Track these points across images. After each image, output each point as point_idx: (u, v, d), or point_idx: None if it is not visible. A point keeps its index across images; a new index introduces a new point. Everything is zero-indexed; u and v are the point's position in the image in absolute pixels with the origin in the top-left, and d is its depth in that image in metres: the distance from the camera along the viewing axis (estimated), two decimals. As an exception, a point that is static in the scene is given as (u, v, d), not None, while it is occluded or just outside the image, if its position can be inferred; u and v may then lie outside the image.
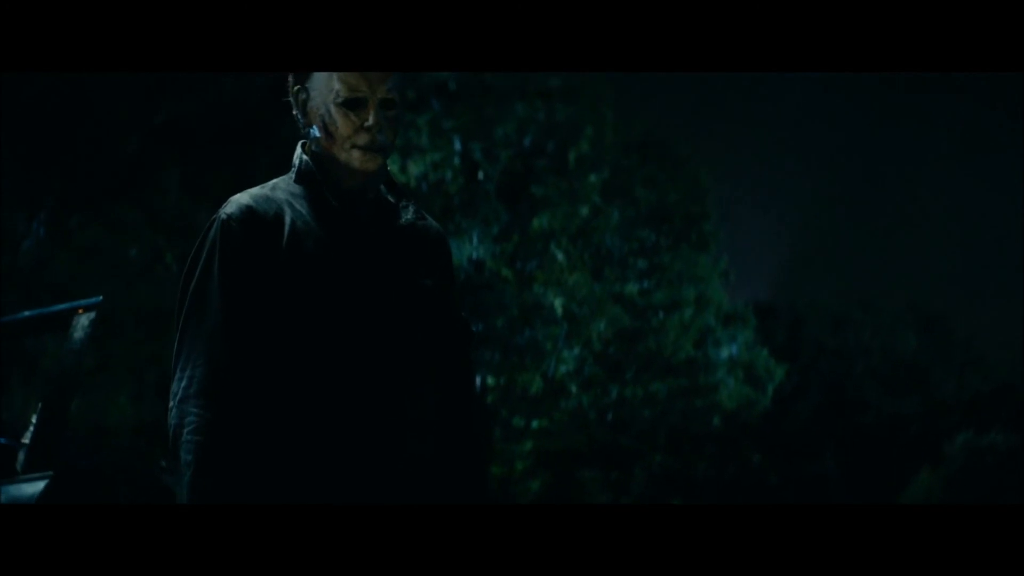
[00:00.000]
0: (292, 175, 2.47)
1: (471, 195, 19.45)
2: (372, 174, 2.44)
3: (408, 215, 2.53)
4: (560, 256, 20.19)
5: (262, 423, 2.28)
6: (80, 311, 4.57)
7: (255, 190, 2.44)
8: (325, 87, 2.41)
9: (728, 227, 22.31)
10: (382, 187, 2.54)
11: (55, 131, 10.75)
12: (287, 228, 2.36)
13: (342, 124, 2.39)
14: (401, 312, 2.41)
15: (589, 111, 20.42)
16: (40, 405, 4.49)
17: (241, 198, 2.40)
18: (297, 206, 2.41)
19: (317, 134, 2.44)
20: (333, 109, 2.40)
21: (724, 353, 22.29)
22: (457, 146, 19.40)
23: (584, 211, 20.42)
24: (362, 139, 2.40)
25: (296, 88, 2.45)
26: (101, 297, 4.74)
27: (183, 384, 2.29)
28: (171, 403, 2.28)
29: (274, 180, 2.49)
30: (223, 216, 2.36)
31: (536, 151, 20.28)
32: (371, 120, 2.39)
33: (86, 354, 4.60)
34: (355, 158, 2.40)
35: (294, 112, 2.48)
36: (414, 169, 17.63)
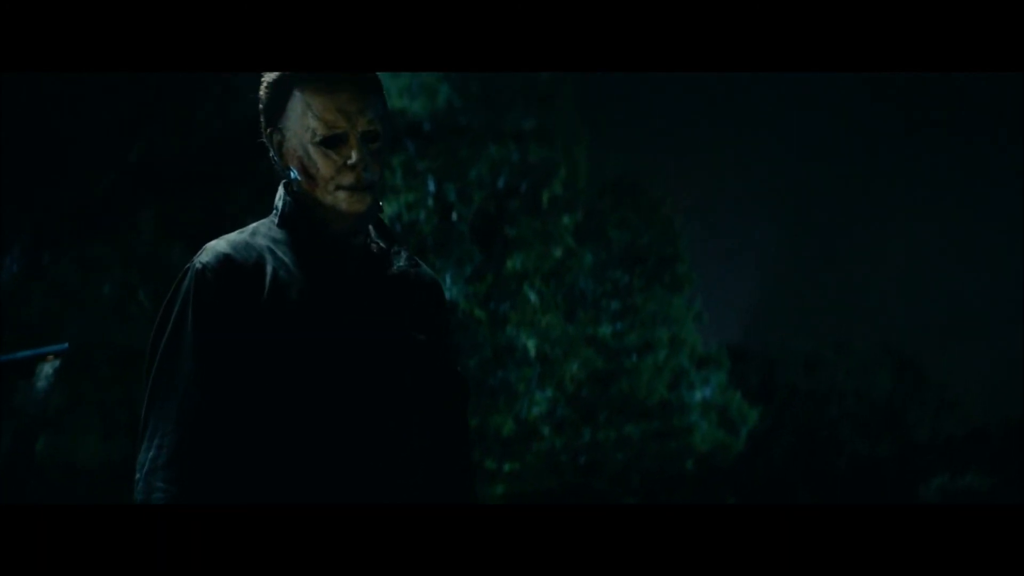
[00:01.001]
0: (274, 219, 2.31)
1: (445, 236, 19.65)
2: (361, 215, 2.26)
3: (400, 262, 2.34)
4: (533, 297, 20.37)
5: (237, 496, 2.08)
6: (48, 357, 4.64)
7: (233, 236, 2.27)
8: (300, 126, 2.23)
9: (701, 269, 22.58)
10: (371, 230, 2.35)
11: (29, 166, 10.91)
12: (268, 278, 2.17)
13: (323, 164, 2.22)
14: (393, 369, 2.21)
15: (563, 153, 20.73)
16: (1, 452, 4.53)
17: (217, 245, 2.22)
18: (279, 253, 2.23)
19: (297, 176, 2.27)
20: (311, 149, 2.22)
21: (698, 396, 22.45)
22: (431, 187, 19.64)
23: (557, 252, 20.64)
24: (346, 179, 2.22)
25: (269, 130, 2.29)
26: (67, 344, 4.82)
27: (151, 454, 2.07)
28: (137, 475, 2.08)
29: (254, 224, 2.32)
30: (197, 265, 2.19)
31: (510, 192, 20.53)
32: (354, 157, 2.21)
33: (50, 403, 4.65)
34: (341, 200, 2.23)
35: (271, 155, 2.32)
36: (388, 209, 17.79)
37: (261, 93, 2.30)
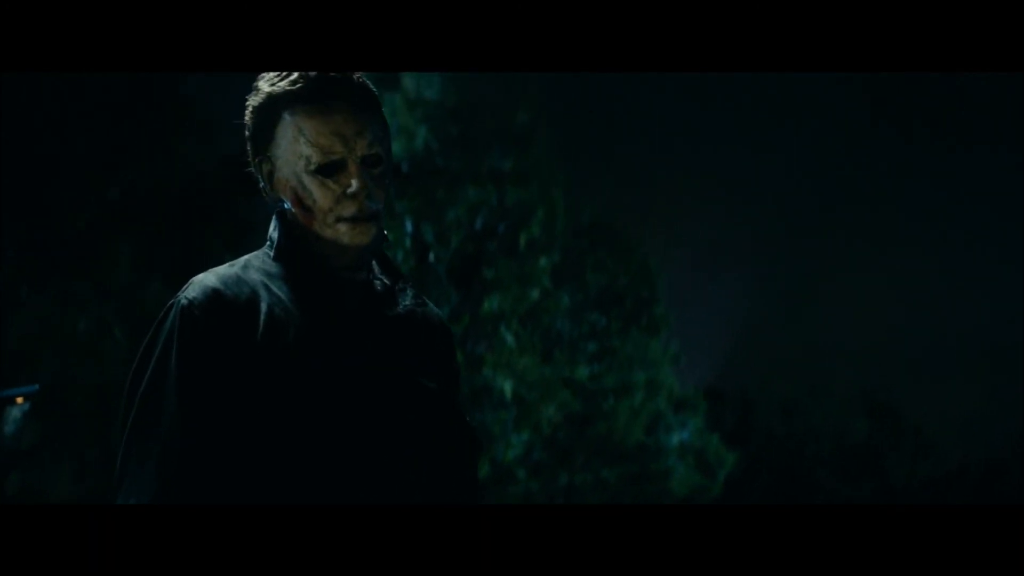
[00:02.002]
0: (268, 251, 2.09)
1: (422, 276, 19.75)
2: (365, 248, 2.05)
3: (406, 301, 2.14)
4: (510, 339, 20.45)
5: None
6: (17, 400, 4.60)
7: (223, 269, 2.05)
8: (292, 154, 2.03)
9: (679, 311, 22.77)
10: (375, 266, 2.16)
11: (10, 201, 10.97)
12: (263, 317, 1.96)
13: (320, 195, 2.02)
14: (400, 421, 2.01)
15: (540, 195, 20.91)
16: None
17: (206, 279, 2.00)
18: (275, 289, 2.01)
19: (291, 208, 2.06)
20: (306, 179, 2.02)
21: (675, 439, 22.51)
22: (408, 228, 19.77)
23: (534, 294, 20.76)
24: (348, 209, 2.02)
25: (257, 159, 2.09)
26: (37, 386, 4.81)
27: None
28: None
29: (246, 256, 2.10)
30: (183, 301, 1.96)
31: (487, 234, 20.68)
32: (354, 185, 2.01)
33: (19, 445, 4.63)
34: (343, 232, 2.02)
35: (260, 185, 2.11)
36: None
37: (246, 119, 2.10)
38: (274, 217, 2.11)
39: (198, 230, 12.09)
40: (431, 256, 20.04)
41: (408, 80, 19.40)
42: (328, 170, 2.01)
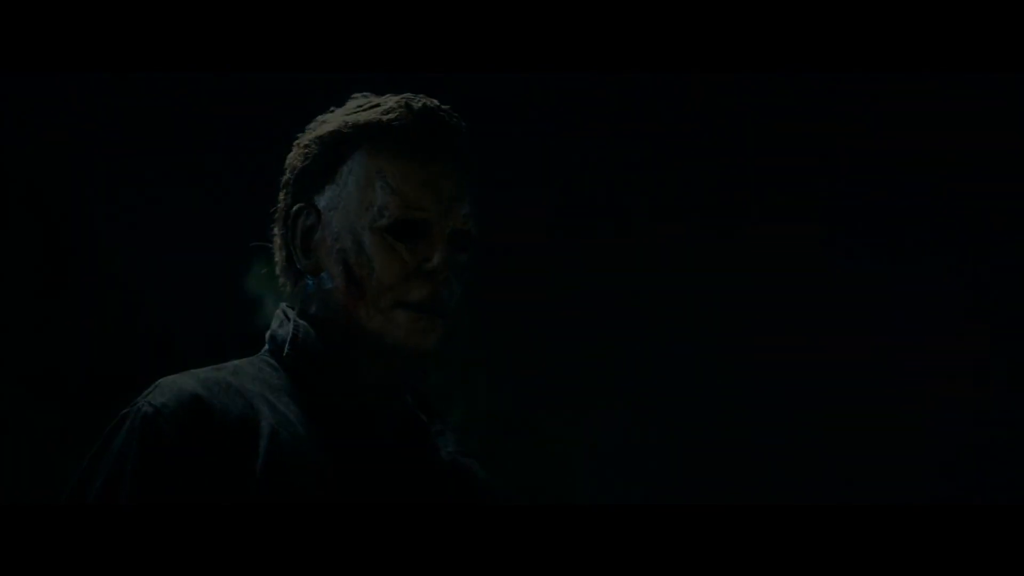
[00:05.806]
0: (266, 357, 1.53)
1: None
2: (421, 358, 1.52)
3: (448, 447, 1.60)
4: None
5: None
6: None
7: (205, 372, 1.46)
8: (358, 201, 1.50)
9: (599, 503, 22.77)
10: (408, 398, 1.62)
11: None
12: (264, 442, 1.41)
13: (383, 263, 1.47)
14: None
15: (460, 377, 21.13)
16: None
17: (181, 381, 1.42)
18: (280, 407, 1.46)
19: (328, 284, 1.51)
20: (369, 238, 1.48)
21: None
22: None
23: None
24: (416, 291, 1.47)
25: (297, 207, 1.53)
26: None
27: None
28: None
29: (235, 361, 1.53)
30: (147, 409, 1.38)
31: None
32: (436, 259, 1.47)
33: None
34: (399, 324, 1.47)
35: (276, 258, 1.57)
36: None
37: (294, 156, 1.57)
38: (279, 311, 1.57)
39: (116, 405, 12.08)
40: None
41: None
42: (405, 230, 1.49)
